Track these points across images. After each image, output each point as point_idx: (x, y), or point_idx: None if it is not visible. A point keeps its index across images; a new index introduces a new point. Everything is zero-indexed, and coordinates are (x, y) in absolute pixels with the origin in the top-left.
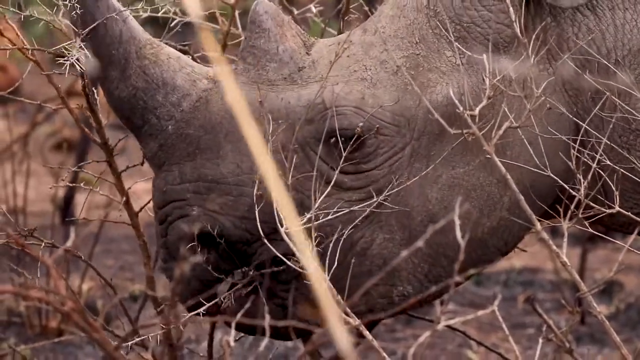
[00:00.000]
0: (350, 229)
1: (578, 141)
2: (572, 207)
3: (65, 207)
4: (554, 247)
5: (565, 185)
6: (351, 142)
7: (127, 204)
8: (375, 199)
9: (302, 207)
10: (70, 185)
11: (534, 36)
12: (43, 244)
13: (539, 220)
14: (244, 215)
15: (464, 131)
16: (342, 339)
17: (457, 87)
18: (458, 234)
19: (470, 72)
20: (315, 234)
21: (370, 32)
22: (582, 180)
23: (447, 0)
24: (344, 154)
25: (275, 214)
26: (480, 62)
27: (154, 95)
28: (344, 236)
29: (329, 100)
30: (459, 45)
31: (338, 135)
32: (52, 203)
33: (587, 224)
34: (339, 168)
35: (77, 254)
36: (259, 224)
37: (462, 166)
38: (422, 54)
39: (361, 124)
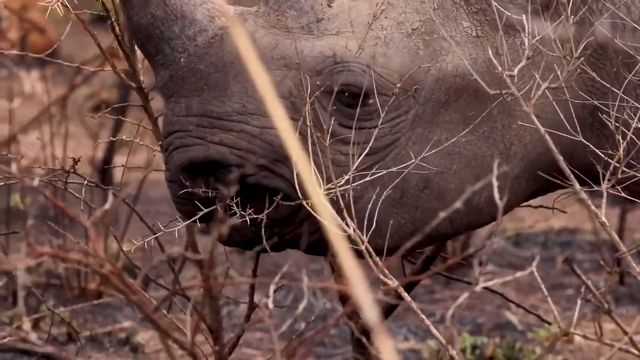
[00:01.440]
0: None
1: (612, 106)
2: (610, 169)
3: (104, 169)
4: (593, 208)
5: (598, 151)
6: (356, 99)
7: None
8: (374, 155)
9: (305, 145)
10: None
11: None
12: (86, 182)
13: (578, 180)
14: (242, 148)
15: (503, 91)
16: (368, 307)
17: (470, 60)
18: (496, 195)
19: (485, 45)
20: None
21: None
22: (620, 140)
23: None
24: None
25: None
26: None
27: (171, 27)
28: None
29: (340, 55)
30: (478, 18)
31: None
32: (91, 165)
33: (619, 189)
34: (331, 123)
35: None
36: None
37: (464, 135)
38: (439, 21)
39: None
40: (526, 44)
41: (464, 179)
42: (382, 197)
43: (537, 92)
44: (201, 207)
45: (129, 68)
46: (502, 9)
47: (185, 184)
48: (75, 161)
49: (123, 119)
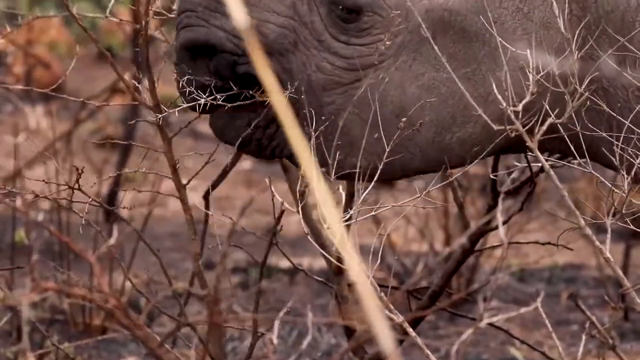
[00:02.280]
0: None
1: (617, 138)
2: (615, 203)
3: (109, 204)
4: (597, 243)
5: (607, 182)
6: (348, 13)
7: (175, 174)
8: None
9: (296, 48)
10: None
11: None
12: (89, 201)
13: (584, 219)
14: (238, 36)
15: (507, 127)
16: (385, 335)
17: None
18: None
19: None
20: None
21: None
22: (625, 175)
23: None
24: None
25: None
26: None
27: None
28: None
29: None
30: None
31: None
32: (98, 203)
33: (628, 221)
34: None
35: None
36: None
37: (446, 72)
38: None
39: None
40: (530, 79)
41: (439, 114)
42: (359, 116)
43: (541, 128)
44: (200, 94)
45: (148, 84)
46: (507, 45)
47: (187, 65)
48: (79, 173)
49: (134, 143)
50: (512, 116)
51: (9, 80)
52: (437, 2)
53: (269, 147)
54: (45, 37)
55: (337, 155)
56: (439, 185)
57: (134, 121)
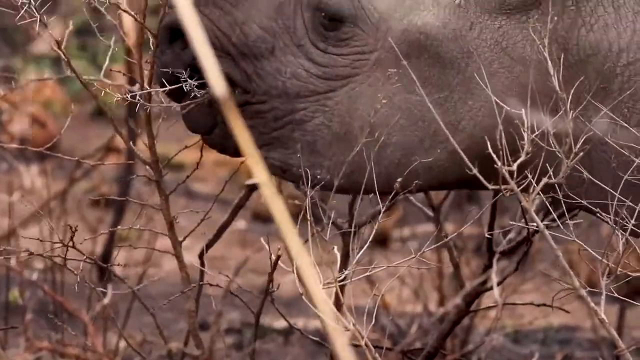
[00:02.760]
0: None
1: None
2: (610, 263)
3: (104, 263)
4: (592, 305)
5: (597, 256)
6: (330, 21)
7: (172, 230)
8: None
9: (272, 54)
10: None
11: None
12: (83, 259)
13: (578, 280)
14: (222, 29)
15: (502, 187)
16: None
17: (440, 23)
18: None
19: (461, 16)
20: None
21: None
22: (620, 238)
23: None
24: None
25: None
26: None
27: None
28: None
29: None
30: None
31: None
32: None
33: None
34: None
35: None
36: None
37: (419, 95)
38: None
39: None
40: (525, 138)
41: (408, 137)
42: (327, 127)
43: (536, 188)
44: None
45: (147, 140)
46: (502, 103)
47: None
48: (73, 232)
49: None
50: (507, 176)
51: (3, 138)
52: (415, 25)
53: (231, 140)
54: (40, 96)
55: (302, 162)
56: (433, 246)
57: (132, 177)
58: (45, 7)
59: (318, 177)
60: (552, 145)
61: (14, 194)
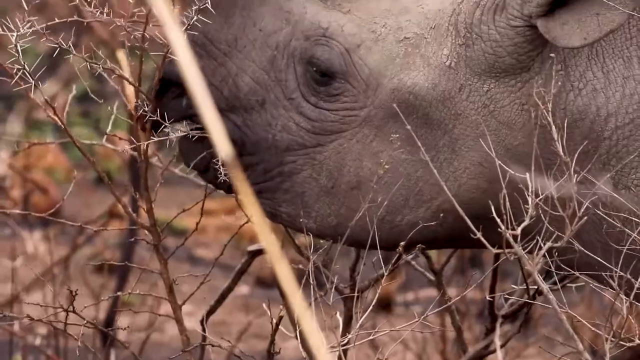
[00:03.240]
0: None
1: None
2: (615, 327)
3: (106, 328)
4: None
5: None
6: (321, 76)
7: (171, 293)
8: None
9: (262, 107)
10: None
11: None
12: (84, 323)
13: (582, 342)
14: (213, 82)
15: (506, 251)
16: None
17: (430, 84)
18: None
19: (451, 77)
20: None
21: (417, 2)
22: (624, 299)
23: (471, 7)
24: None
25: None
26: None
27: None
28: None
29: (331, 31)
30: (458, 51)
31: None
32: (93, 325)
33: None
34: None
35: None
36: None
37: (405, 153)
38: (428, 40)
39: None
40: (529, 202)
41: (393, 194)
42: (315, 180)
43: (539, 253)
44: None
45: (145, 205)
46: (505, 167)
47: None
48: (73, 295)
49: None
50: (511, 240)
51: (6, 204)
52: (405, 84)
53: (226, 181)
54: (43, 162)
55: (290, 210)
56: (436, 310)
57: (132, 239)
58: (41, 71)
59: (306, 226)
60: (554, 209)
61: (17, 259)
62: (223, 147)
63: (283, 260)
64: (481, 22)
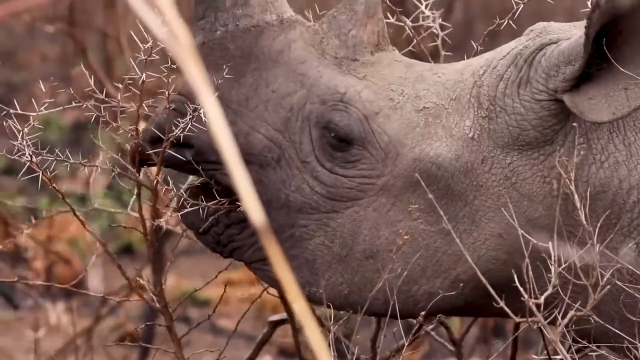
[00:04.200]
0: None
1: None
2: None
3: None
4: None
5: None
6: (339, 141)
7: None
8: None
9: (278, 164)
10: None
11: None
12: None
13: None
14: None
15: (529, 319)
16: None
17: (454, 155)
18: None
19: (474, 149)
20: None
21: (432, 71)
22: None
23: (495, 80)
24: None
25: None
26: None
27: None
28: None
29: (349, 96)
30: (481, 123)
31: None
32: None
33: None
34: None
35: None
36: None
37: (424, 224)
38: (449, 111)
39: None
40: (552, 271)
41: (410, 264)
42: (328, 248)
43: (563, 321)
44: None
45: (155, 287)
46: (527, 236)
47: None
48: None
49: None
50: (534, 308)
51: (29, 275)
52: (428, 155)
53: (227, 246)
54: (66, 233)
55: (298, 277)
56: None
57: (151, 323)
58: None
59: (314, 294)
60: (577, 277)
61: (39, 330)
62: (255, 213)
63: (313, 324)
64: (505, 96)
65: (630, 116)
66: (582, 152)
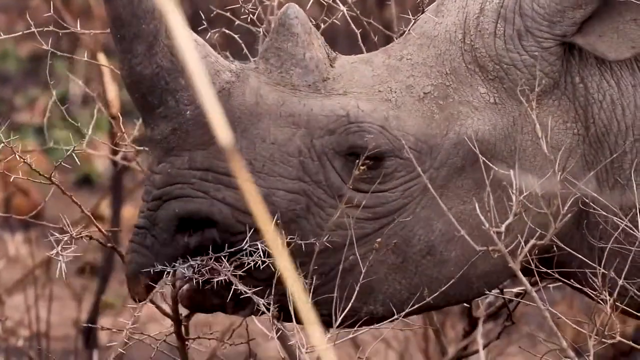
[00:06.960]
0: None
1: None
2: (598, 325)
3: (88, 331)
4: None
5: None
6: (369, 161)
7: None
8: (383, 220)
9: (308, 212)
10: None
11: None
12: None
13: (565, 339)
14: (244, 210)
15: (490, 248)
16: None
17: (490, 126)
18: None
19: (503, 112)
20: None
21: (395, 58)
22: (608, 298)
23: (489, 39)
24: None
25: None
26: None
27: (177, 78)
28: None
29: (354, 115)
30: (495, 85)
31: (358, 152)
32: (75, 327)
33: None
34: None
35: None
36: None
37: (472, 203)
38: (453, 86)
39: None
40: (513, 200)
41: (466, 248)
42: (381, 262)
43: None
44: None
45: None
46: (490, 164)
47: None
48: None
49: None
50: (495, 237)
51: None
52: (467, 134)
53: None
54: (24, 164)
55: (352, 303)
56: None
57: (111, 245)
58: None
59: (371, 312)
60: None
61: None
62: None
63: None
64: (508, 51)
65: None
66: (582, 94)
